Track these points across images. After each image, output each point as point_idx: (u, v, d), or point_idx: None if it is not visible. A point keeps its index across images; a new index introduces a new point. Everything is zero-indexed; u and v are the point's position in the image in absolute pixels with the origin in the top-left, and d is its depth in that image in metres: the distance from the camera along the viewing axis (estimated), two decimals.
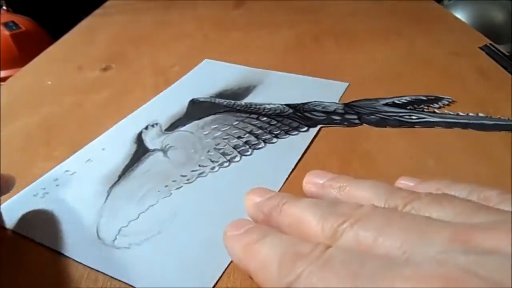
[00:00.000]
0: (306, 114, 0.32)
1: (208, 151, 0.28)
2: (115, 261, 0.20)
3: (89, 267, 0.20)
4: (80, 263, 0.21)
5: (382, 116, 0.31)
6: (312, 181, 0.21)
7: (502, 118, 0.29)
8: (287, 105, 0.34)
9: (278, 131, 0.30)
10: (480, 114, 0.29)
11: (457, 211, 0.15)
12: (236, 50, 0.48)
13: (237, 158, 0.28)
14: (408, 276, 0.12)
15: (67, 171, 0.27)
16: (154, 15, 0.63)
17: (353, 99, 0.34)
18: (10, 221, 0.23)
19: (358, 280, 0.13)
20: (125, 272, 0.20)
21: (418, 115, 0.30)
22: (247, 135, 0.30)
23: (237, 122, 0.31)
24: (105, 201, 0.24)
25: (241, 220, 0.19)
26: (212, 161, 0.27)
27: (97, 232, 0.22)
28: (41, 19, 1.38)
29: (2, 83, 0.42)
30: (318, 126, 0.31)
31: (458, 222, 0.14)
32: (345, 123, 0.31)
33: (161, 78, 0.41)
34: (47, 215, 0.23)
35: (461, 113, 0.29)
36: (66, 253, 0.21)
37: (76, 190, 0.25)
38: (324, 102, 0.34)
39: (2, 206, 0.24)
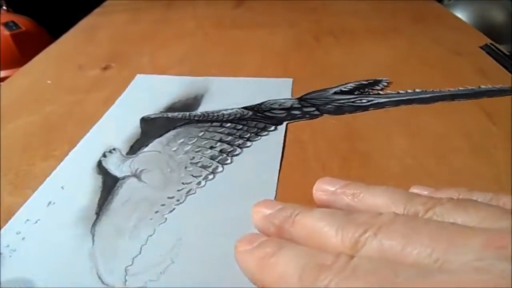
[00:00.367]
0: (266, 113, 0.32)
1: (186, 167, 0.27)
2: None
3: None
4: None
5: (337, 104, 0.32)
6: (323, 189, 0.20)
7: (435, 90, 0.32)
8: (244, 108, 0.33)
9: (248, 134, 0.30)
10: (417, 90, 0.32)
11: (482, 216, 0.14)
12: (236, 49, 0.48)
13: (220, 168, 0.27)
14: (447, 283, 0.12)
15: (28, 220, 0.23)
16: (154, 14, 0.63)
17: (302, 93, 0.35)
18: None
19: None
20: None
21: (367, 98, 0.32)
22: (218, 143, 0.29)
23: (202, 133, 0.30)
24: (93, 243, 0.22)
25: (252, 235, 0.18)
26: (195, 176, 0.26)
27: (100, 278, 0.20)
28: (41, 19, 1.38)
29: (2, 83, 0.42)
30: (284, 123, 0.31)
31: (487, 228, 0.14)
32: (307, 116, 0.32)
33: None
34: (26, 279, 0.20)
35: (401, 91, 0.31)
36: None
37: (48, 239, 0.22)
38: (278, 99, 0.34)
39: None
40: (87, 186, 0.26)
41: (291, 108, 0.33)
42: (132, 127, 0.31)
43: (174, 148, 0.28)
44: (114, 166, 0.27)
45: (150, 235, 0.22)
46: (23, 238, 0.22)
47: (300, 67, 0.41)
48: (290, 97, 0.35)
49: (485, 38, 0.46)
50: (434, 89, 0.30)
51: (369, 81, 0.33)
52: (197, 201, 0.24)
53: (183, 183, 0.25)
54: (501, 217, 0.14)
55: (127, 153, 0.29)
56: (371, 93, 0.32)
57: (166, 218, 0.23)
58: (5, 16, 1.31)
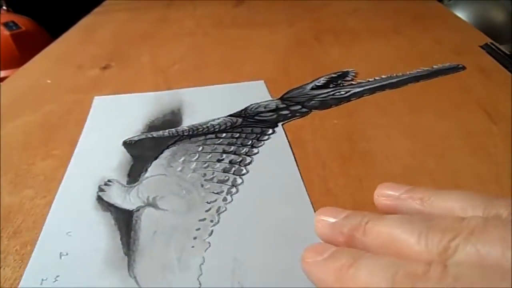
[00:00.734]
0: (256, 118, 0.32)
1: (202, 185, 0.25)
2: None
3: None
4: None
5: (320, 99, 0.32)
6: (386, 194, 0.19)
7: (398, 74, 0.32)
8: (230, 116, 0.32)
9: (249, 141, 0.29)
10: (383, 76, 0.33)
11: None
12: (236, 48, 0.48)
13: (239, 180, 0.26)
14: None
15: (45, 279, 0.20)
16: (154, 14, 0.63)
17: (281, 93, 0.36)
18: None
19: None
20: None
21: (344, 89, 0.33)
22: (224, 155, 0.28)
23: (201, 148, 0.28)
24: (140, 286, 0.20)
25: (319, 245, 0.18)
26: (217, 193, 0.25)
27: None
28: (41, 19, 1.38)
29: (2, 83, 0.42)
30: (279, 124, 0.31)
31: None
32: (297, 114, 0.32)
33: (161, 76, 0.41)
34: None
35: (370, 79, 0.32)
36: None
37: None
38: (261, 102, 0.34)
39: None
40: (99, 226, 0.23)
41: (278, 109, 0.33)
42: (117, 154, 0.29)
43: (179, 168, 0.27)
44: (120, 199, 0.25)
45: (201, 264, 0.20)
46: None
47: (300, 66, 0.41)
48: (270, 98, 0.35)
49: (485, 37, 0.46)
50: (398, 73, 0.32)
51: (338, 73, 0.34)
52: (233, 218, 0.23)
53: (207, 202, 0.24)
54: None
55: (128, 182, 0.26)
56: (345, 84, 0.33)
57: (209, 243, 0.21)
58: (5, 16, 1.31)
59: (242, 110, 0.33)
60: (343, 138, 0.30)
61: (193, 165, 0.27)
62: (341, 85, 0.33)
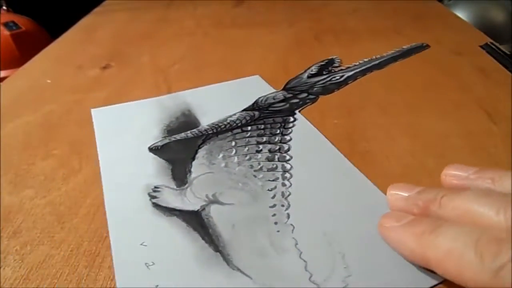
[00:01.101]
0: (270, 109, 0.33)
1: (255, 176, 0.26)
2: None
3: None
4: None
5: (321, 85, 0.34)
6: (453, 174, 0.21)
7: (378, 56, 0.34)
8: (244, 110, 0.33)
9: (278, 130, 0.30)
10: (365, 59, 0.35)
11: None
12: (236, 48, 0.48)
13: (288, 166, 0.27)
14: None
15: None
16: (154, 13, 0.63)
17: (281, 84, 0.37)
18: None
19: None
20: None
21: (339, 74, 0.34)
22: (261, 146, 0.28)
23: (234, 143, 0.29)
24: (252, 277, 0.20)
25: (396, 212, 0.20)
26: (273, 181, 0.25)
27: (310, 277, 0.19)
28: (41, 19, 1.38)
29: (2, 83, 0.42)
30: (297, 112, 0.32)
31: None
32: (308, 101, 0.33)
33: (161, 76, 0.41)
34: None
35: (355, 64, 0.35)
36: None
37: None
38: (267, 95, 0.35)
39: None
40: (171, 232, 0.22)
41: (287, 98, 0.34)
42: (148, 160, 0.28)
43: (223, 164, 0.27)
44: (178, 202, 0.24)
45: (296, 244, 0.21)
46: None
47: (300, 66, 0.41)
48: (272, 90, 0.36)
49: (485, 37, 0.46)
50: (377, 56, 0.34)
51: (326, 61, 0.37)
52: (301, 198, 0.24)
53: (269, 190, 0.25)
54: None
55: (177, 186, 0.26)
56: (336, 70, 0.35)
57: (291, 225, 0.22)
58: (5, 16, 1.31)
59: (253, 104, 0.34)
60: (343, 138, 0.30)
61: (235, 159, 0.27)
62: (332, 71, 0.35)
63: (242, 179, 0.26)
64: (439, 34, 0.48)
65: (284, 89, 0.35)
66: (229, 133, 0.30)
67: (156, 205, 0.24)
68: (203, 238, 0.22)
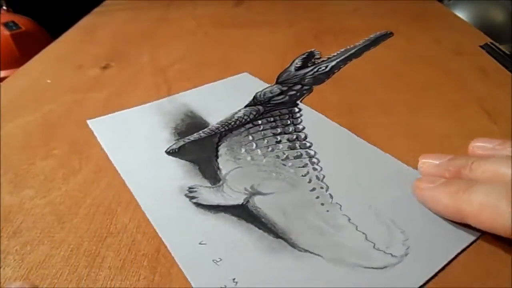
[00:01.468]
0: (272, 102, 0.33)
1: (285, 165, 0.27)
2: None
3: None
4: None
5: (311, 76, 0.35)
6: (480, 146, 0.24)
7: (353, 45, 0.36)
8: (247, 106, 0.33)
9: (288, 121, 0.31)
10: (341, 50, 0.37)
11: None
12: (236, 48, 0.48)
13: (312, 152, 0.28)
14: None
15: (223, 287, 0.19)
16: (154, 13, 0.63)
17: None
18: None
19: None
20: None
21: (324, 65, 0.36)
22: (278, 137, 0.29)
23: (250, 137, 0.29)
24: (323, 257, 0.20)
25: (429, 176, 0.23)
26: (303, 167, 0.26)
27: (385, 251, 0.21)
28: (41, 19, 1.38)
29: (1, 83, 0.42)
30: (299, 102, 0.33)
31: None
32: (304, 92, 0.34)
33: (161, 76, 0.41)
34: None
35: (334, 54, 0.36)
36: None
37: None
38: (262, 90, 0.36)
39: None
40: (225, 227, 0.22)
41: (283, 91, 0.35)
42: (170, 163, 0.28)
43: (248, 158, 0.27)
44: (219, 198, 0.25)
45: (349, 220, 0.22)
46: None
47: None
48: (265, 85, 0.37)
49: (485, 37, 0.46)
50: (350, 46, 0.36)
51: (306, 54, 0.38)
52: (337, 179, 0.25)
53: (303, 176, 0.26)
54: None
55: (211, 184, 0.26)
56: (319, 62, 0.36)
57: (337, 204, 0.24)
58: (5, 16, 1.31)
59: (253, 99, 0.34)
60: None
61: (259, 152, 0.28)
62: (316, 63, 0.37)
63: (274, 169, 0.26)
64: (439, 34, 0.48)
65: (277, 82, 0.36)
66: (242, 129, 0.31)
67: (198, 205, 0.24)
68: (259, 228, 0.22)
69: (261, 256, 0.21)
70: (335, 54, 0.34)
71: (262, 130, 0.30)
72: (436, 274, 0.19)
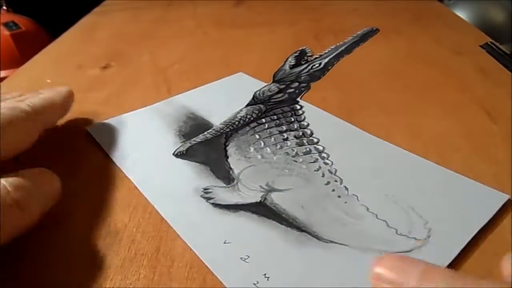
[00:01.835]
0: (272, 101, 0.33)
1: (296, 161, 0.27)
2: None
3: None
4: None
5: (306, 74, 0.35)
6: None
7: (343, 42, 0.36)
8: (248, 105, 0.33)
9: (291, 118, 0.31)
10: (332, 47, 0.37)
11: None
12: (236, 48, 0.48)
13: (320, 147, 0.28)
14: None
15: (255, 283, 0.19)
16: (154, 13, 0.63)
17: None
18: None
19: None
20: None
21: (317, 62, 0.36)
22: (285, 134, 0.30)
23: (257, 136, 0.30)
24: (350, 246, 0.21)
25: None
26: (315, 162, 0.27)
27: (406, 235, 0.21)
28: (41, 19, 1.38)
29: (1, 82, 0.42)
30: (299, 100, 0.34)
31: None
32: (302, 89, 0.35)
33: (161, 76, 0.41)
34: None
35: (325, 51, 0.36)
36: None
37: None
38: (261, 88, 0.36)
39: None
40: (249, 226, 0.23)
41: (281, 90, 0.35)
42: (180, 166, 0.28)
43: (259, 157, 0.28)
44: (237, 197, 0.25)
45: (368, 209, 0.23)
46: None
47: None
48: (262, 84, 0.37)
49: (485, 37, 0.46)
50: (340, 43, 0.37)
51: (299, 52, 0.38)
52: (350, 171, 0.26)
53: (316, 170, 0.26)
54: None
55: (226, 183, 0.26)
56: (311, 59, 0.37)
57: (354, 195, 0.24)
58: (5, 16, 1.31)
59: (253, 98, 0.35)
60: None
61: (268, 150, 0.28)
62: (309, 60, 0.37)
63: (286, 166, 0.27)
64: (439, 34, 0.48)
65: (275, 81, 0.36)
66: (247, 128, 0.31)
67: (215, 205, 0.24)
68: (281, 224, 0.23)
69: (289, 249, 0.21)
70: (326, 51, 0.35)
71: (267, 128, 0.30)
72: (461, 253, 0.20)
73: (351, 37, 0.33)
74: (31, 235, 0.23)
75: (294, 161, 0.27)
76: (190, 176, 0.27)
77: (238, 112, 0.32)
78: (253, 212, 0.23)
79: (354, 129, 0.30)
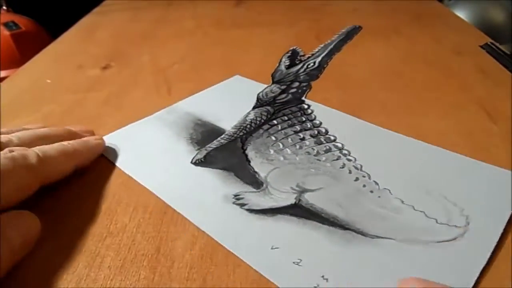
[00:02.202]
0: (278, 102, 0.33)
1: (319, 160, 0.27)
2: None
3: None
4: None
5: (304, 73, 0.34)
6: None
7: (331, 41, 0.34)
8: (255, 107, 0.33)
9: (303, 118, 0.31)
10: (321, 46, 0.35)
11: None
12: (236, 48, 0.48)
13: (339, 144, 0.28)
14: None
15: (316, 286, 0.19)
16: (154, 13, 0.63)
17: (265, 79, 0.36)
18: None
19: None
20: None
21: (311, 61, 0.35)
22: (301, 134, 0.29)
23: (274, 138, 0.29)
24: (397, 239, 0.21)
25: None
26: (337, 160, 0.27)
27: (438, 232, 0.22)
28: (41, 19, 1.38)
29: (1, 82, 0.42)
30: (304, 99, 0.33)
31: None
32: (304, 88, 0.34)
33: (161, 76, 0.41)
34: None
35: (317, 50, 0.35)
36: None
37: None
38: (263, 90, 0.35)
39: None
40: (288, 228, 0.22)
41: (284, 90, 0.34)
42: (202, 174, 0.27)
43: (281, 159, 0.27)
44: (271, 201, 0.24)
45: (403, 202, 0.23)
46: None
47: None
48: (263, 85, 0.36)
49: (485, 37, 0.46)
50: (327, 41, 0.35)
51: (291, 52, 0.37)
52: (375, 166, 0.26)
53: (341, 168, 0.26)
54: None
55: (254, 188, 0.25)
56: (304, 58, 0.36)
57: (385, 188, 0.24)
58: (5, 16, 1.31)
59: (257, 100, 0.34)
60: None
61: (288, 151, 0.28)
62: (302, 59, 0.36)
63: (310, 166, 0.27)
64: (439, 34, 0.48)
65: (275, 82, 0.36)
66: (261, 131, 0.30)
67: (251, 211, 0.24)
68: (323, 224, 0.22)
69: (339, 249, 0.21)
70: (316, 50, 0.35)
71: (281, 129, 0.30)
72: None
73: (337, 36, 0.33)
74: None
75: (317, 160, 0.27)
76: (215, 183, 0.26)
77: (247, 115, 0.32)
78: (291, 214, 0.23)
79: (367, 124, 0.31)
